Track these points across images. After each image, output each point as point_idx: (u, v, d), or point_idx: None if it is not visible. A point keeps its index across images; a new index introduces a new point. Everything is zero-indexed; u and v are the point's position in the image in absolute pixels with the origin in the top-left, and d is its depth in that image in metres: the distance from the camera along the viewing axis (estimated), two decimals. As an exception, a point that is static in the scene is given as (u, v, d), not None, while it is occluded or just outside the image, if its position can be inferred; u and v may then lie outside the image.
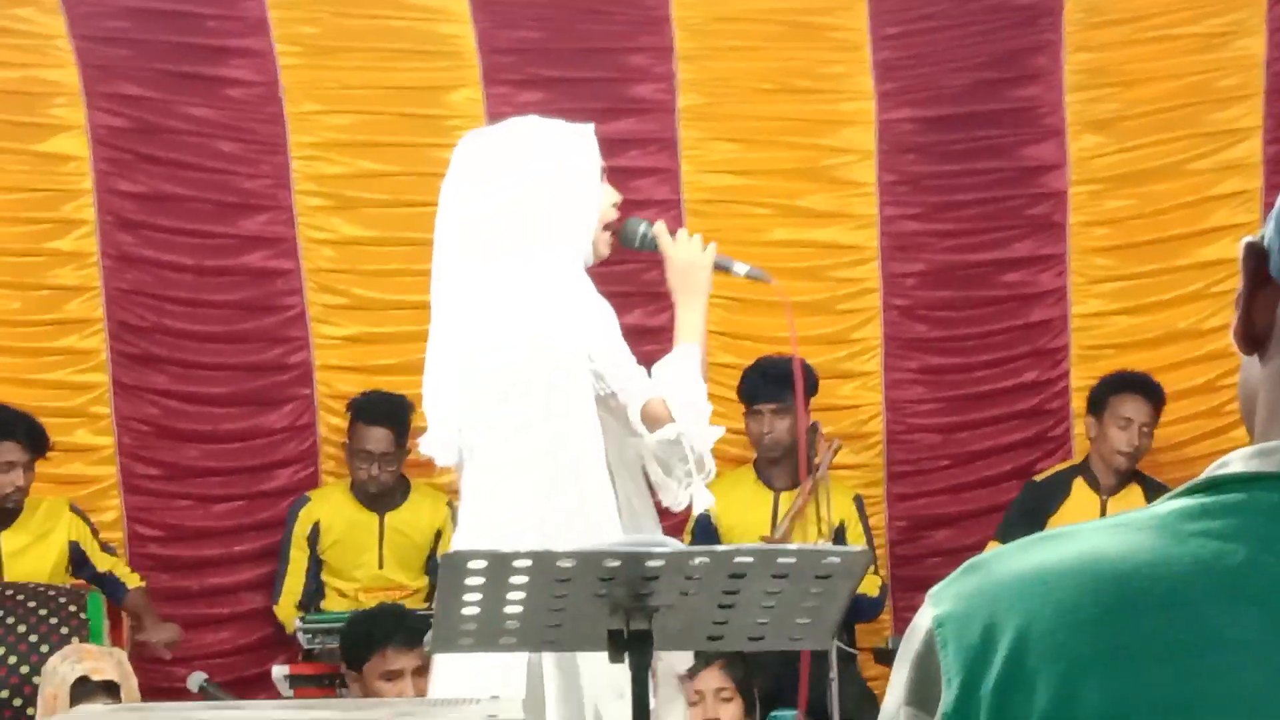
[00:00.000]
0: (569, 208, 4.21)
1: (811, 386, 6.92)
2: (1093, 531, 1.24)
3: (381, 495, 7.11)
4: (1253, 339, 1.29)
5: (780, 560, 3.34)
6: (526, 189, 4.21)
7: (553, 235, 4.19)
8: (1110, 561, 1.20)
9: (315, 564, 7.18)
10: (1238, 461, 1.25)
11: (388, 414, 7.04)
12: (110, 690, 5.28)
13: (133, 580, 6.94)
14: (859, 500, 7.24)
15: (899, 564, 7.57)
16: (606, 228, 4.29)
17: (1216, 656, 1.15)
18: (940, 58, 7.51)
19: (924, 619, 1.25)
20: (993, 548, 6.29)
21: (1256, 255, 1.28)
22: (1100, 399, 7.11)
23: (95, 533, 6.97)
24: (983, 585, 1.23)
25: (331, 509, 7.17)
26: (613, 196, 4.32)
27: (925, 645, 1.24)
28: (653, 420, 4.04)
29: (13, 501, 6.78)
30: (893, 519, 7.59)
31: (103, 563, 6.89)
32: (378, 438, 7.04)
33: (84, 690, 5.26)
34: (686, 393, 4.08)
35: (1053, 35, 7.48)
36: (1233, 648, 1.15)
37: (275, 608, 7.21)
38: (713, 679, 5.80)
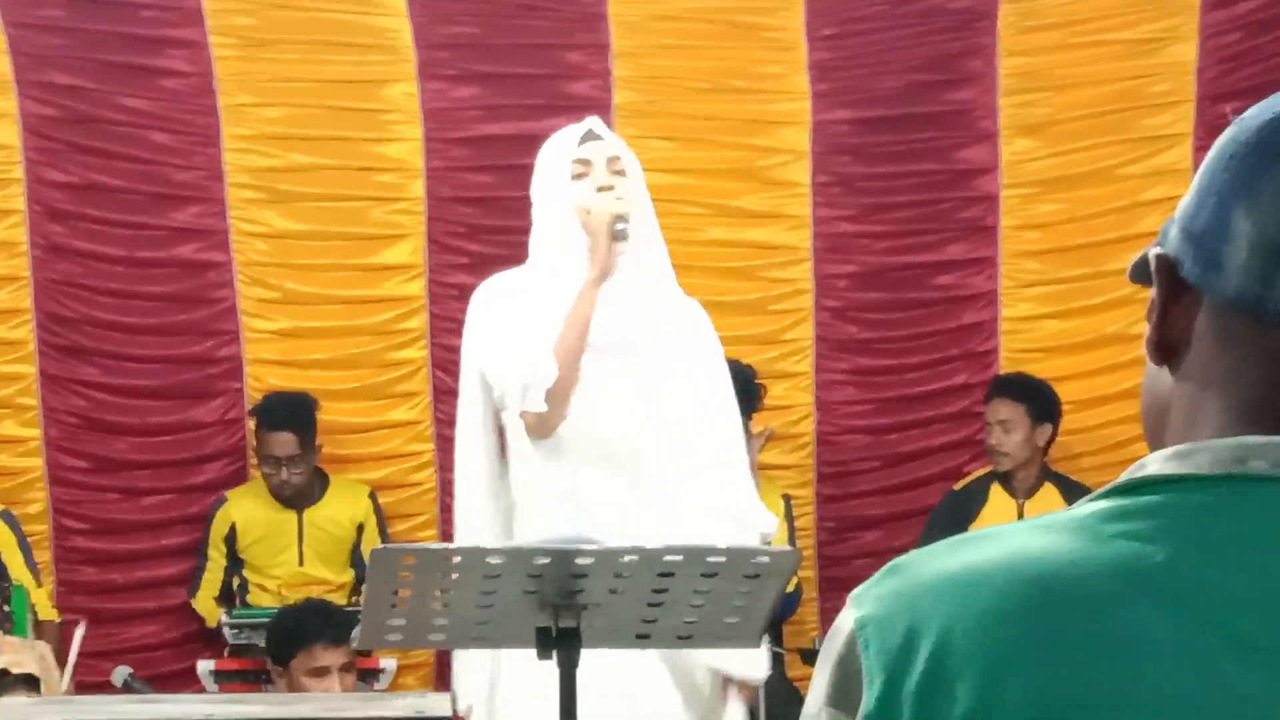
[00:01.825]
0: (537, 217, 4.50)
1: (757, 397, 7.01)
2: (1014, 533, 1.25)
3: (298, 494, 7.07)
4: (1166, 349, 1.29)
5: (709, 559, 3.35)
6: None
7: (530, 247, 4.51)
8: (1032, 562, 1.20)
9: (233, 564, 7.14)
10: (1156, 463, 1.25)
11: (289, 417, 6.99)
12: (30, 684, 5.25)
13: (46, 612, 6.82)
14: (788, 500, 7.27)
15: (827, 565, 7.59)
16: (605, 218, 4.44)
17: (1137, 656, 1.15)
18: (875, 59, 7.53)
19: (845, 621, 1.25)
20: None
21: (1167, 265, 1.29)
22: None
23: (25, 547, 6.85)
24: (904, 587, 1.23)
25: (248, 509, 7.11)
26: (588, 188, 4.43)
27: (847, 647, 1.24)
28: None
29: None
30: (821, 520, 7.61)
31: (23, 579, 6.73)
32: (282, 442, 6.98)
33: (3, 683, 5.23)
34: (521, 372, 4.26)
35: (987, 39, 7.52)
36: (1154, 647, 1.16)
37: (193, 601, 7.17)
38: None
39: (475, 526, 4.44)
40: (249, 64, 7.30)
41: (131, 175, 7.27)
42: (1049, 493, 7.11)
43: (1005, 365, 7.51)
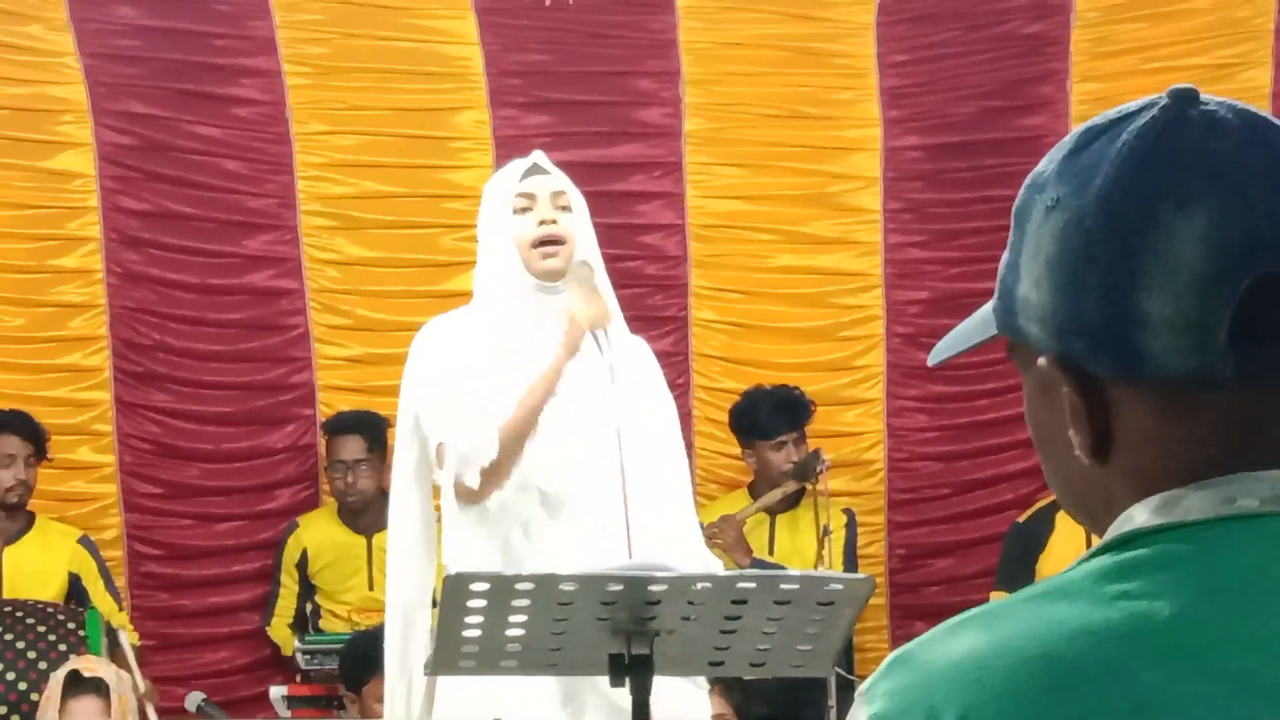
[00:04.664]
0: (481, 252, 4.45)
1: (810, 412, 7.05)
2: (1014, 608, 1.22)
3: (367, 515, 7.05)
4: (1104, 444, 1.26)
5: (783, 586, 3.34)
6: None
7: (475, 282, 4.48)
8: (1038, 639, 1.18)
9: (306, 589, 7.16)
10: (1142, 514, 1.24)
11: (358, 422, 7.03)
12: (100, 689, 5.30)
13: (128, 635, 6.86)
14: (850, 513, 7.19)
15: (898, 592, 7.56)
16: (534, 247, 4.36)
17: (1158, 719, 1.14)
18: (947, 86, 7.52)
19: (859, 719, 1.22)
20: (996, 597, 6.25)
21: (1066, 366, 1.26)
22: None
23: (105, 573, 6.90)
24: (915, 678, 1.21)
25: (319, 534, 7.14)
26: (530, 223, 4.36)
27: None
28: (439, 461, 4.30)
29: (16, 496, 6.76)
30: (893, 547, 7.58)
31: (102, 605, 6.80)
32: (351, 446, 7.00)
33: (75, 687, 5.29)
34: (462, 442, 4.21)
35: (1059, 65, 7.49)
36: (1171, 707, 1.14)
37: (268, 629, 7.20)
38: (712, 705, 5.77)
39: (401, 596, 4.40)
40: (321, 92, 7.34)
41: (205, 203, 7.32)
42: None
43: (1078, 391, 7.45)
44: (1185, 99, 1.25)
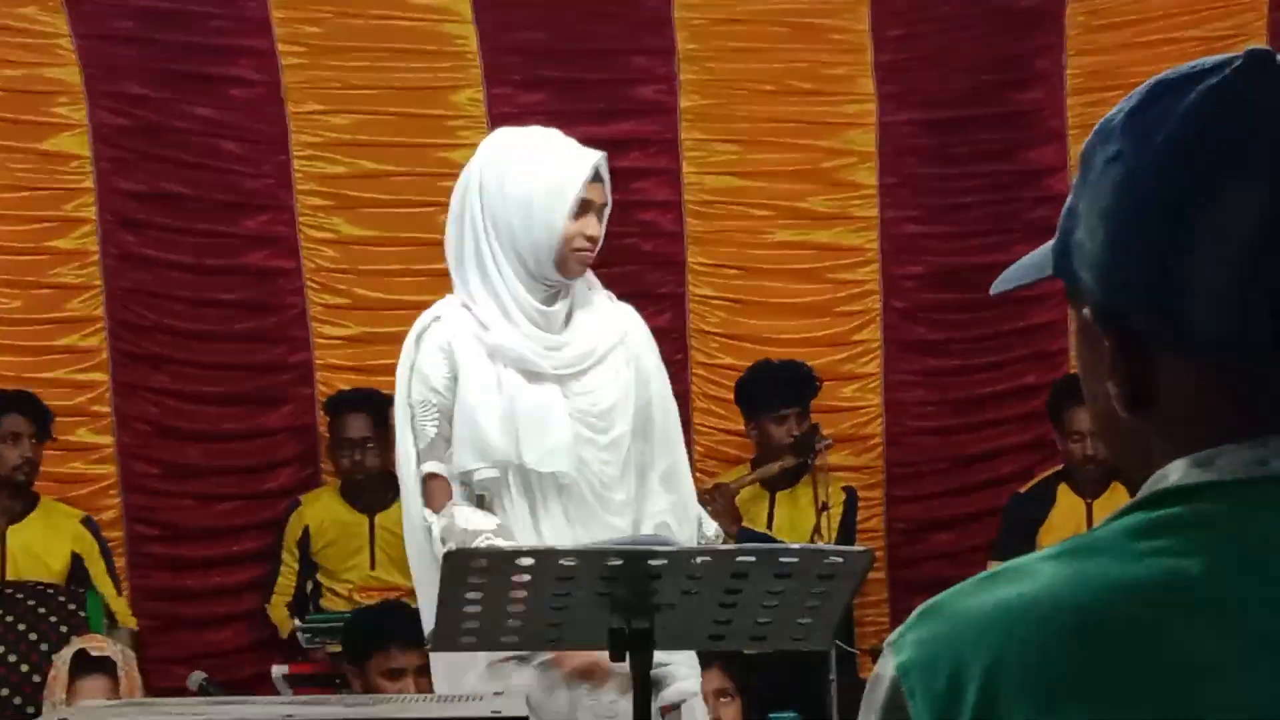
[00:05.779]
0: (512, 218, 4.25)
1: (815, 388, 7.04)
2: (1045, 561, 1.23)
3: (370, 494, 7.07)
4: (1140, 399, 1.26)
5: (782, 560, 3.34)
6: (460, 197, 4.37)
7: (490, 252, 4.28)
8: (1070, 591, 1.19)
9: (306, 568, 7.17)
10: (1177, 472, 1.24)
11: (363, 400, 7.05)
12: (107, 669, 5.31)
13: (125, 620, 6.88)
14: (850, 491, 7.19)
15: (898, 566, 7.57)
16: (575, 251, 4.23)
17: (1187, 676, 1.15)
18: (942, 60, 7.52)
19: (886, 669, 1.24)
20: (991, 566, 6.27)
21: (1106, 320, 1.27)
22: (1055, 411, 7.02)
23: (107, 556, 6.91)
24: (942, 629, 1.22)
25: (321, 512, 7.15)
26: (577, 229, 4.23)
27: (891, 696, 1.23)
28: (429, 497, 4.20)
29: (24, 475, 6.75)
30: (892, 521, 7.59)
31: (103, 588, 6.80)
32: (357, 424, 7.03)
33: (83, 667, 5.30)
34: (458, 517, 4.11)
35: (1054, 39, 7.49)
36: (1201, 665, 1.15)
37: (268, 607, 7.22)
38: (713, 680, 5.78)
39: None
40: (317, 72, 7.34)
41: (201, 184, 7.32)
42: (1117, 492, 7.02)
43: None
44: (1260, 61, 1.23)
